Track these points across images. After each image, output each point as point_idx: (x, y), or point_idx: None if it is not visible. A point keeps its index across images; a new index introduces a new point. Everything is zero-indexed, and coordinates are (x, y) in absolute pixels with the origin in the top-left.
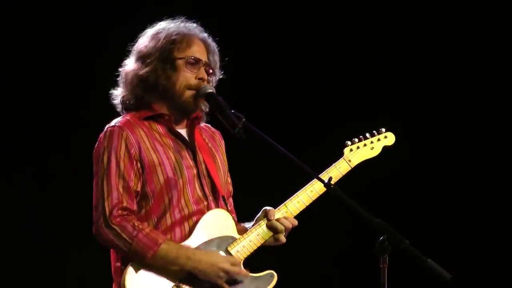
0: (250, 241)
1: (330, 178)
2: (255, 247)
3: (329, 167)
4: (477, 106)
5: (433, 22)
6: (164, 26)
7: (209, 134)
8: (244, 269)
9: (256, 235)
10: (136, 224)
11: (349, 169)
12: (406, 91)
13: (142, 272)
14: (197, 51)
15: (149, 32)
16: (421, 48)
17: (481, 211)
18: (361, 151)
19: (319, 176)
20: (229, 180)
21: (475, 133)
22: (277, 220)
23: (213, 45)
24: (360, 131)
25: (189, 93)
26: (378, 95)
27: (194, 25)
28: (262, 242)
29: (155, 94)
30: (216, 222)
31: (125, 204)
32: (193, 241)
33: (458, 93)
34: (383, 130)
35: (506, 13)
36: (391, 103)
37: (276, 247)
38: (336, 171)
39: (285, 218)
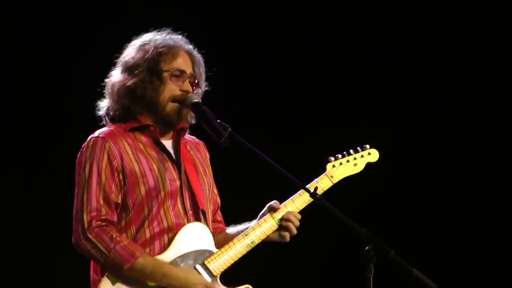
0: (228, 256)
1: (316, 188)
2: (232, 261)
3: (310, 182)
4: (460, 117)
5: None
6: (151, 38)
7: (194, 145)
8: None
9: (235, 250)
10: (114, 236)
11: (330, 185)
12: (391, 102)
13: (117, 284)
14: (182, 63)
15: (136, 43)
16: (405, 59)
17: (465, 220)
18: (343, 167)
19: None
20: (216, 191)
21: (457, 143)
22: (285, 216)
23: (198, 57)
24: (345, 142)
25: (172, 105)
26: (362, 105)
27: (180, 37)
28: (243, 254)
29: (141, 105)
30: (194, 236)
31: (104, 215)
32: (170, 254)
33: (441, 104)
34: (367, 146)
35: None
36: (376, 113)
37: (262, 259)
38: (317, 186)
39: (290, 212)
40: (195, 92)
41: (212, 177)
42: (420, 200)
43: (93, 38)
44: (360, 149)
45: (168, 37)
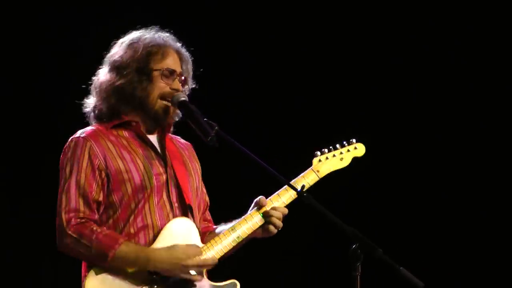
0: (214, 251)
1: (303, 186)
2: (218, 256)
3: (297, 176)
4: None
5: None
6: (139, 36)
7: (182, 144)
8: (208, 257)
9: (221, 245)
10: (94, 228)
11: (317, 180)
12: (377, 95)
13: (103, 276)
14: (172, 62)
15: (124, 41)
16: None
17: (453, 217)
18: (330, 161)
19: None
20: (204, 190)
21: (444, 138)
22: (267, 212)
23: (186, 54)
24: (331, 138)
25: (161, 102)
26: (349, 98)
27: (168, 35)
28: (229, 249)
29: (129, 104)
30: (180, 231)
31: (82, 214)
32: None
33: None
34: (354, 141)
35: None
36: (362, 106)
37: (249, 255)
38: (304, 181)
39: (274, 208)
40: (183, 90)
41: (201, 177)
42: (408, 198)
43: (74, 39)
44: (346, 144)
45: (157, 35)
